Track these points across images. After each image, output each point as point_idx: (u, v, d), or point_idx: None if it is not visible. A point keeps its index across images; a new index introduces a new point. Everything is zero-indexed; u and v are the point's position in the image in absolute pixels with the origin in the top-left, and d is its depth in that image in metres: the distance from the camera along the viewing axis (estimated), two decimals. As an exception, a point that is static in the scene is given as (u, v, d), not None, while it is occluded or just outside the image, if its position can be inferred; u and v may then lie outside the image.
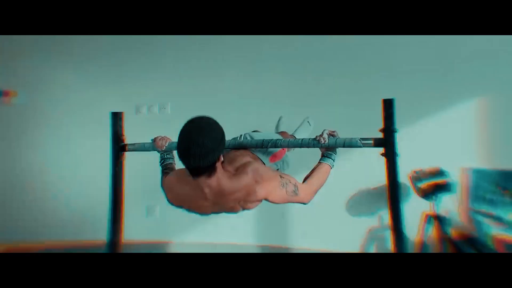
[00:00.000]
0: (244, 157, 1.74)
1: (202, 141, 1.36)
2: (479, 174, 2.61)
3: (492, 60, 2.98)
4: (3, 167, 3.98)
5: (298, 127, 2.87)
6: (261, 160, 1.98)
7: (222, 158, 1.47)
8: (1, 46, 4.03)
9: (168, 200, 1.66)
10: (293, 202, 1.62)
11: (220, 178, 1.47)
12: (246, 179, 1.51)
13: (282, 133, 2.63)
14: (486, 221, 2.53)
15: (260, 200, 1.57)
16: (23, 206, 3.93)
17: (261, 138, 1.87)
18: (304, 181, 1.71)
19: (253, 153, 1.96)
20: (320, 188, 1.73)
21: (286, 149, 2.11)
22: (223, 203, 1.55)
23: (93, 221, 3.70)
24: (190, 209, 1.63)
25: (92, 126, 3.78)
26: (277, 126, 3.06)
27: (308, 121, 2.93)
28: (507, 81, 2.94)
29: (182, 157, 1.40)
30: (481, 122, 2.97)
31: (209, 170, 1.43)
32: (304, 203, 1.67)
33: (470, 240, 2.47)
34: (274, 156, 2.07)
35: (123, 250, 1.84)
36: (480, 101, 2.98)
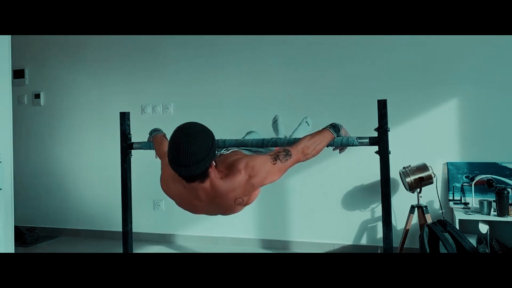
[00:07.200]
0: (235, 154, 1.72)
1: (192, 150, 1.32)
2: (453, 167, 3.10)
3: (467, 60, 3.09)
4: (38, 159, 4.28)
5: (297, 127, 2.78)
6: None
7: (214, 163, 1.45)
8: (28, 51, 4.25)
9: (161, 187, 1.63)
10: (291, 166, 1.59)
11: (214, 181, 1.46)
12: (239, 177, 1.49)
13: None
14: (457, 207, 3.04)
15: (259, 189, 1.57)
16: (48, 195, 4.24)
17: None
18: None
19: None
20: (316, 152, 1.66)
21: None
22: (219, 204, 1.54)
23: (106, 213, 3.98)
24: (181, 206, 1.62)
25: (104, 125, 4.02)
26: (274, 127, 2.96)
27: (306, 121, 2.84)
28: (479, 82, 3.07)
29: (172, 166, 1.38)
30: (459, 120, 3.12)
31: (202, 176, 1.40)
32: (302, 161, 1.63)
33: (443, 224, 2.70)
34: None
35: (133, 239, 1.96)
36: (457, 101, 3.11)
